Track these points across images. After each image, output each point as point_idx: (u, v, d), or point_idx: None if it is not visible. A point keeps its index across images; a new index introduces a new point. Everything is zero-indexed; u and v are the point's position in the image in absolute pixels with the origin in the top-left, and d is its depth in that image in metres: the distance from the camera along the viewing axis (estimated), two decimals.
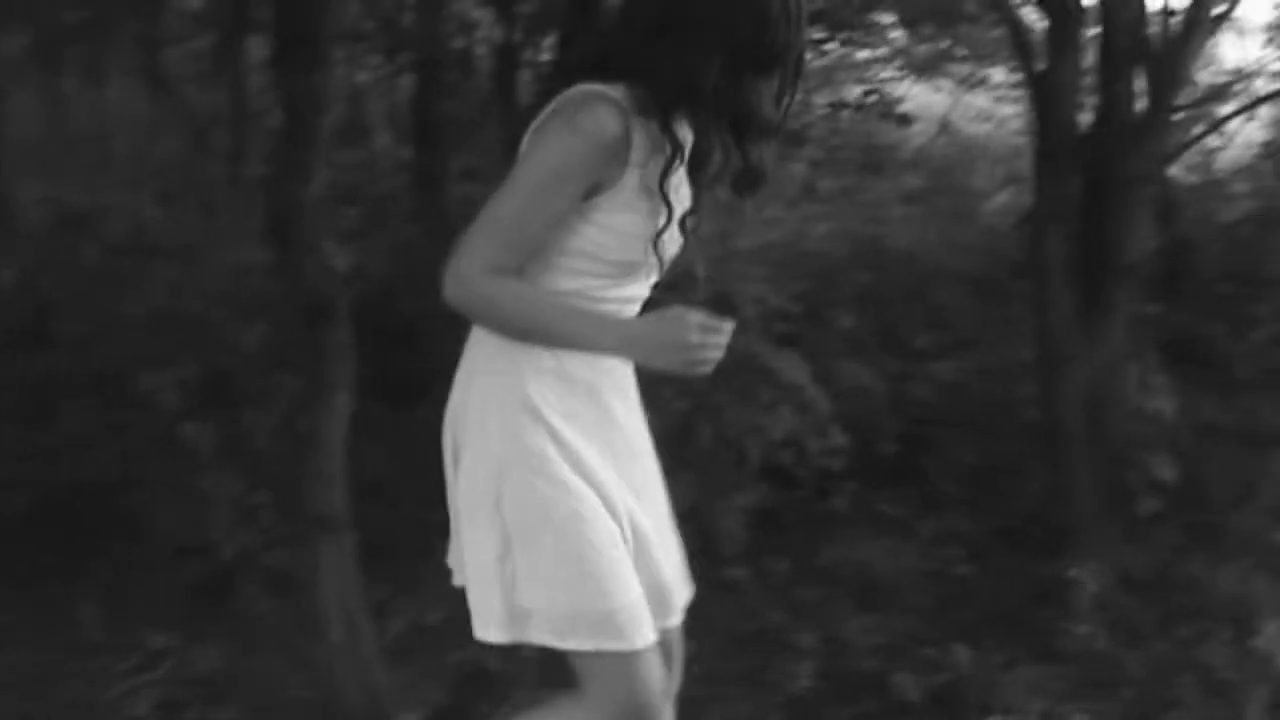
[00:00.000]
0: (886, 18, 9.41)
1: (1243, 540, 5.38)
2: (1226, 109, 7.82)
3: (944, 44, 9.87)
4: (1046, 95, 5.70)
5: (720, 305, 5.28)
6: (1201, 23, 5.93)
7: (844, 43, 9.75)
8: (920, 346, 6.74)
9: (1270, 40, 8.96)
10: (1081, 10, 5.86)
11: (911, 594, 5.21)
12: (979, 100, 10.77)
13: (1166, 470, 5.50)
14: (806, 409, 5.24)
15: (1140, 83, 5.86)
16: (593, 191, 2.57)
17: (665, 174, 2.57)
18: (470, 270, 2.54)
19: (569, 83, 2.60)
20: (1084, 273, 5.49)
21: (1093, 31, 6.12)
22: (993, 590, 2.54)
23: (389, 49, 8.85)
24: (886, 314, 6.88)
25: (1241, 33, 9.29)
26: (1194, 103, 7.72)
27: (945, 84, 10.72)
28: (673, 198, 2.58)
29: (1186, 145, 7.52)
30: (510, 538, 2.59)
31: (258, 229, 5.20)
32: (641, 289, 2.75)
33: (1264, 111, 8.28)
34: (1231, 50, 9.34)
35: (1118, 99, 5.78)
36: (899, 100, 9.97)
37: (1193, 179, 8.06)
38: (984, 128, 10.83)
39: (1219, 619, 4.88)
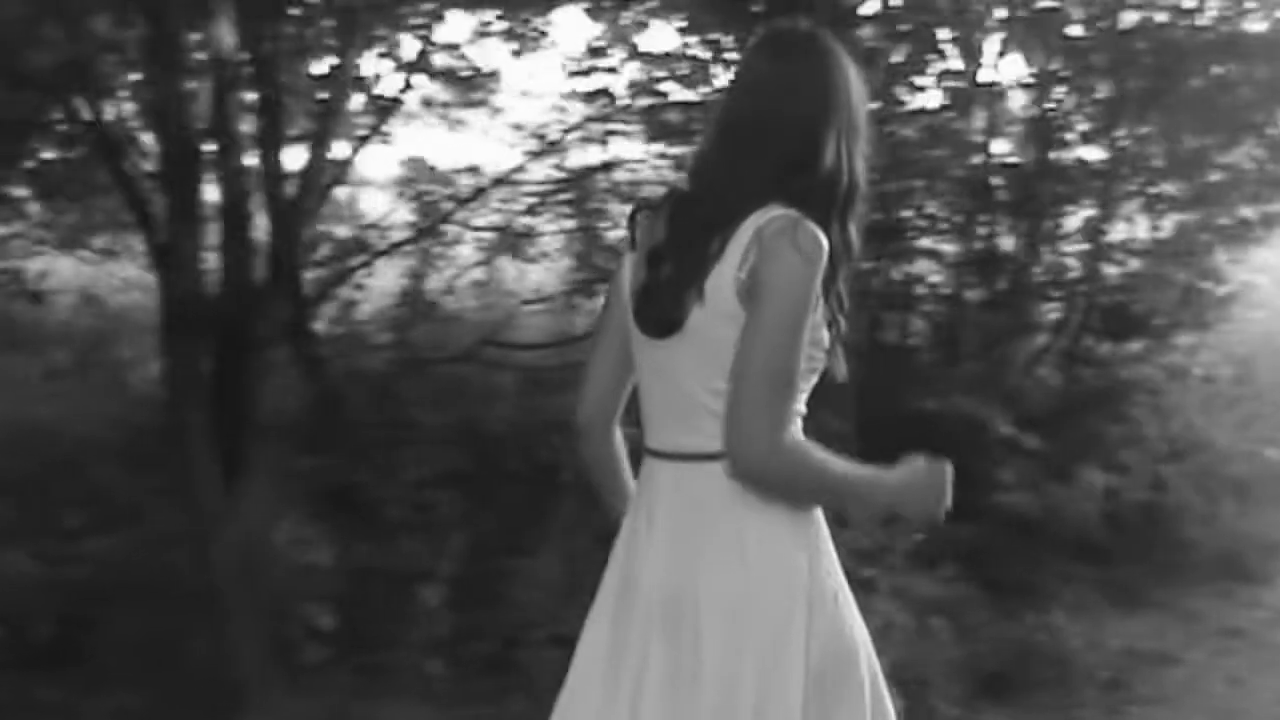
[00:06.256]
0: (20, 190, 9.26)
1: (403, 675, 5.61)
2: (357, 261, 8.22)
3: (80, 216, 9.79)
4: (170, 265, 5.81)
5: None
6: (315, 185, 6.27)
7: None
8: (73, 525, 6.60)
9: (400, 194, 9.52)
10: (199, 183, 6.01)
11: None
12: (127, 269, 10.68)
13: (325, 618, 5.68)
14: None
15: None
16: (812, 309, 2.58)
17: (847, 278, 2.67)
18: (785, 439, 2.50)
19: (727, 217, 2.57)
20: (226, 435, 5.59)
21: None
22: None
23: None
24: (38, 496, 6.68)
25: (378, 188, 9.85)
26: (328, 258, 8.07)
27: (89, 254, 10.57)
28: None
29: (320, 299, 7.85)
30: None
31: None
32: None
33: (400, 261, 8.76)
34: (372, 203, 9.85)
35: (239, 264, 5.98)
36: (42, 275, 9.78)
37: (337, 330, 8.32)
38: (133, 296, 10.74)
39: None
